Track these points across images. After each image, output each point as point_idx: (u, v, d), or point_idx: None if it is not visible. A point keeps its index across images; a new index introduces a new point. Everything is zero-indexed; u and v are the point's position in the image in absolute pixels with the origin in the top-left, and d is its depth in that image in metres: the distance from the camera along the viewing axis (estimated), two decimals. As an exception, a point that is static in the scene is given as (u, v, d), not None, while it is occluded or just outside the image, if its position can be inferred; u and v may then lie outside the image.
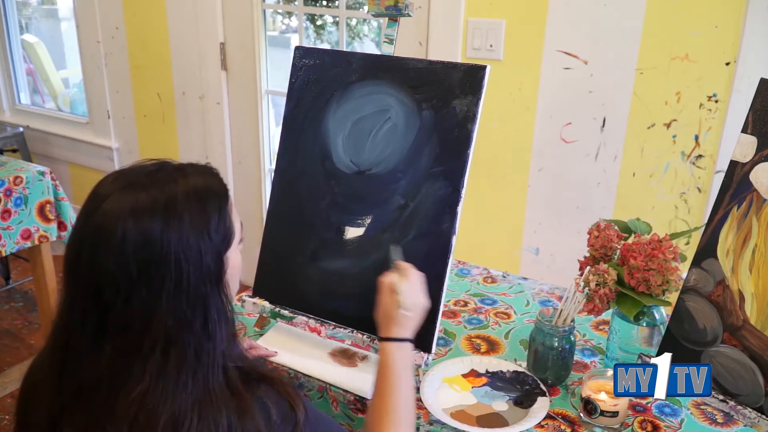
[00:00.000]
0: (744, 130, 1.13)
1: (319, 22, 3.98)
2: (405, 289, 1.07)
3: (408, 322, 1.07)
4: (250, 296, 1.35)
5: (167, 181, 0.81)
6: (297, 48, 1.35)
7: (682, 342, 1.16)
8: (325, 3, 3.48)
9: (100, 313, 0.78)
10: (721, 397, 1.11)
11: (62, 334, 0.82)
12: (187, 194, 0.81)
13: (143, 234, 0.77)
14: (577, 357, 1.26)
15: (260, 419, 0.81)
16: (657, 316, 1.19)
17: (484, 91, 1.16)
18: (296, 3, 2.77)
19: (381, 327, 1.09)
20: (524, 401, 1.15)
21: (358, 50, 2.33)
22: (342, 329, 1.23)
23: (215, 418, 0.78)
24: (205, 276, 0.80)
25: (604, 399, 1.07)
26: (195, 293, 0.79)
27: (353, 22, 3.67)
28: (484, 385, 1.20)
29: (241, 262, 0.90)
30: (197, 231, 0.79)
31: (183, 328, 0.79)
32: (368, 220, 1.24)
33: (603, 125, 2.05)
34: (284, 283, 1.32)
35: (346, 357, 1.27)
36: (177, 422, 0.77)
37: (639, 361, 1.18)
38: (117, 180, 0.82)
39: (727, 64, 1.83)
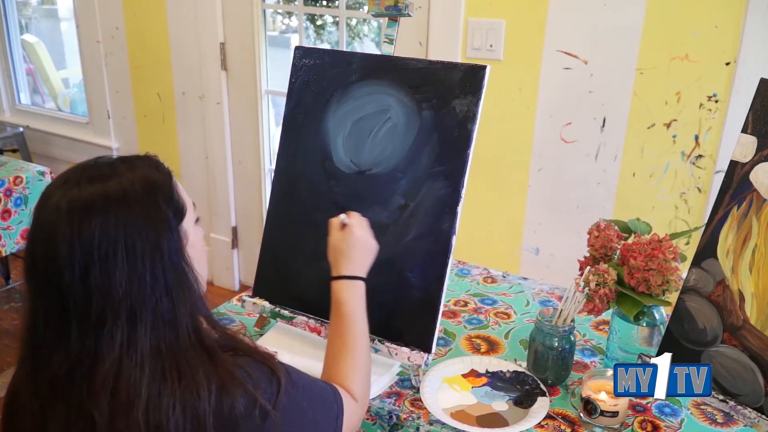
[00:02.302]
0: (744, 130, 1.13)
1: (319, 22, 3.98)
2: (354, 221, 1.14)
3: (358, 259, 1.12)
4: (250, 296, 1.35)
5: (107, 170, 0.83)
6: (297, 48, 1.35)
7: (682, 342, 1.16)
8: (325, 3, 3.48)
9: (61, 303, 0.79)
10: (721, 397, 1.11)
11: (29, 337, 0.83)
12: (129, 179, 0.82)
13: (88, 223, 0.78)
14: (577, 357, 1.26)
15: (244, 380, 0.83)
16: (657, 316, 1.19)
17: (484, 91, 1.16)
18: (296, 3, 2.77)
19: (332, 267, 1.13)
20: (524, 401, 1.15)
21: (358, 50, 2.34)
22: (342, 329, 1.23)
23: (195, 379, 0.80)
24: (159, 246, 0.81)
25: (604, 399, 1.07)
26: (151, 260, 0.80)
27: (353, 22, 3.67)
28: (484, 385, 1.20)
29: (203, 242, 0.92)
30: (142, 209, 0.81)
31: (144, 294, 0.80)
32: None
33: (603, 125, 2.05)
34: (284, 283, 1.32)
35: (346, 357, 1.27)
36: (160, 390, 0.78)
37: (639, 361, 1.18)
38: (59, 178, 0.84)
39: (727, 64, 1.83)
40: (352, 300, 1.10)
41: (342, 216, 1.16)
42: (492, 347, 1.33)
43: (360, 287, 1.11)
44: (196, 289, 0.85)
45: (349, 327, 1.08)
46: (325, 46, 4.04)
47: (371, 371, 1.18)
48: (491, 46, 2.12)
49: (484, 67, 1.17)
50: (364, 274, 1.13)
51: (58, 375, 0.80)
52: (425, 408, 1.13)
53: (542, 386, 1.18)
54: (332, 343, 1.08)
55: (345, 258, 1.12)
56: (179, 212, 0.85)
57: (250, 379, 0.83)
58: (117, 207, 0.79)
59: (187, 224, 0.87)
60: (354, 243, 1.12)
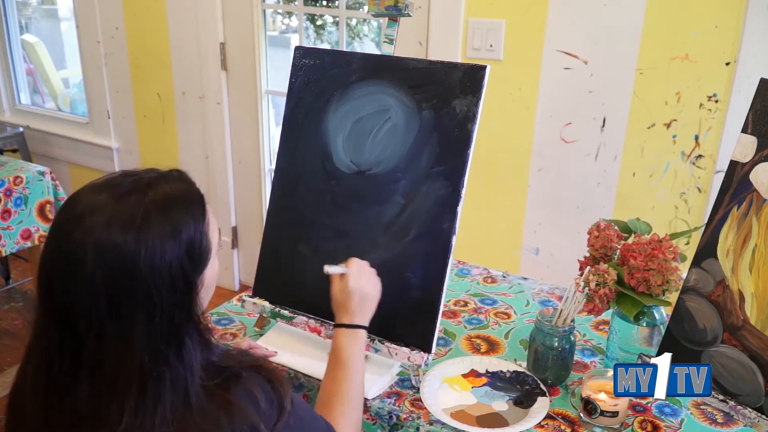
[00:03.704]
0: (744, 130, 1.13)
1: (319, 22, 3.98)
2: (352, 270, 1.14)
3: (356, 309, 1.12)
4: (250, 296, 1.35)
5: (143, 210, 0.78)
6: (297, 48, 1.35)
7: (682, 342, 1.16)
8: (325, 3, 3.48)
9: (76, 345, 0.77)
10: (721, 397, 1.11)
11: (42, 362, 0.80)
12: (163, 226, 0.77)
13: (114, 268, 0.75)
14: (577, 357, 1.26)
15: (250, 411, 0.81)
16: (657, 316, 1.19)
17: (484, 91, 1.16)
18: (296, 3, 2.77)
19: (335, 316, 1.14)
20: (524, 401, 1.15)
21: (358, 50, 2.34)
22: (342, 329, 1.23)
23: None
24: (178, 306, 0.78)
25: (604, 399, 1.07)
26: (169, 326, 0.77)
27: (353, 22, 3.67)
28: (484, 385, 1.20)
29: (217, 269, 0.89)
30: (171, 263, 0.77)
31: (158, 363, 0.77)
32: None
33: (603, 125, 2.05)
34: (284, 283, 1.32)
35: (346, 357, 1.27)
36: None
37: (639, 361, 1.18)
38: (91, 202, 0.78)
39: (727, 64, 1.83)
40: (350, 347, 1.09)
41: (340, 268, 1.15)
42: (492, 347, 1.33)
43: (360, 336, 1.11)
44: (205, 340, 0.83)
45: (344, 374, 1.07)
46: (325, 46, 4.04)
47: (375, 372, 1.18)
48: (491, 46, 2.12)
49: (484, 67, 1.17)
50: (364, 322, 1.13)
51: (70, 418, 0.78)
52: (425, 408, 1.13)
53: (542, 386, 1.18)
54: (326, 388, 1.07)
55: (343, 309, 1.13)
56: (202, 263, 0.82)
57: (254, 402, 0.82)
58: (144, 264, 0.75)
59: (208, 267, 0.84)
60: (351, 294, 1.12)
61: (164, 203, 0.79)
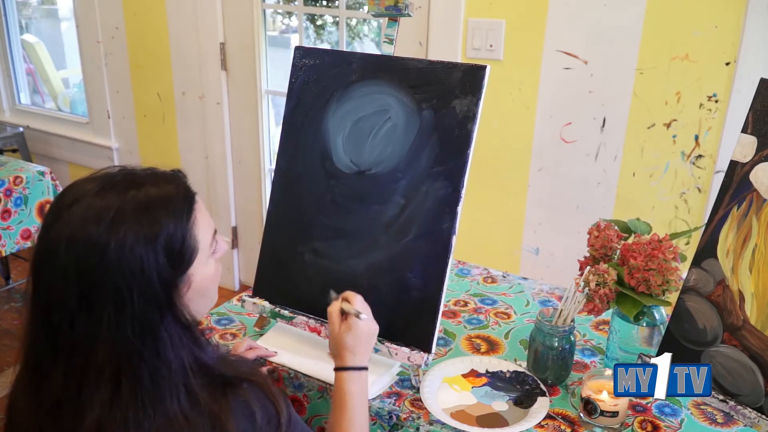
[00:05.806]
0: (744, 130, 1.14)
1: (319, 22, 3.97)
2: (359, 303, 1.10)
3: (364, 351, 1.08)
4: (250, 296, 1.35)
5: (118, 206, 0.78)
6: (297, 48, 1.35)
7: (682, 342, 1.16)
8: (325, 3, 3.48)
9: (53, 333, 0.78)
10: (721, 397, 1.11)
11: (29, 350, 0.82)
12: (136, 223, 0.77)
13: (84, 260, 0.75)
14: (577, 357, 1.26)
15: (246, 425, 0.81)
16: (657, 316, 1.19)
17: (484, 91, 1.16)
18: (296, 3, 2.77)
19: (335, 358, 1.10)
20: (524, 401, 1.15)
21: (358, 50, 2.33)
22: (342, 329, 1.23)
23: None
24: (152, 302, 0.77)
25: (604, 399, 1.07)
26: (141, 321, 0.77)
27: (353, 22, 3.67)
28: (484, 385, 1.20)
29: (215, 272, 0.88)
30: (143, 259, 0.77)
31: (132, 357, 0.76)
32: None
33: (603, 125, 2.05)
34: (284, 283, 1.32)
35: (346, 357, 1.26)
36: None
37: (639, 361, 1.18)
38: (76, 194, 0.79)
39: (727, 64, 1.83)
40: (356, 393, 1.06)
41: (344, 305, 1.11)
42: (492, 347, 1.33)
43: (364, 377, 1.08)
44: (193, 340, 0.81)
45: (351, 420, 1.04)
46: (325, 46, 4.04)
47: (375, 372, 1.18)
48: (491, 46, 2.12)
49: (484, 67, 1.17)
50: (366, 362, 1.10)
51: (53, 402, 0.79)
52: (425, 408, 1.13)
53: (542, 386, 1.18)
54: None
55: (350, 352, 1.08)
56: (184, 263, 0.81)
57: (251, 416, 0.82)
58: (114, 258, 0.75)
59: (195, 267, 0.83)
60: (361, 337, 1.08)
61: (143, 202, 0.79)
